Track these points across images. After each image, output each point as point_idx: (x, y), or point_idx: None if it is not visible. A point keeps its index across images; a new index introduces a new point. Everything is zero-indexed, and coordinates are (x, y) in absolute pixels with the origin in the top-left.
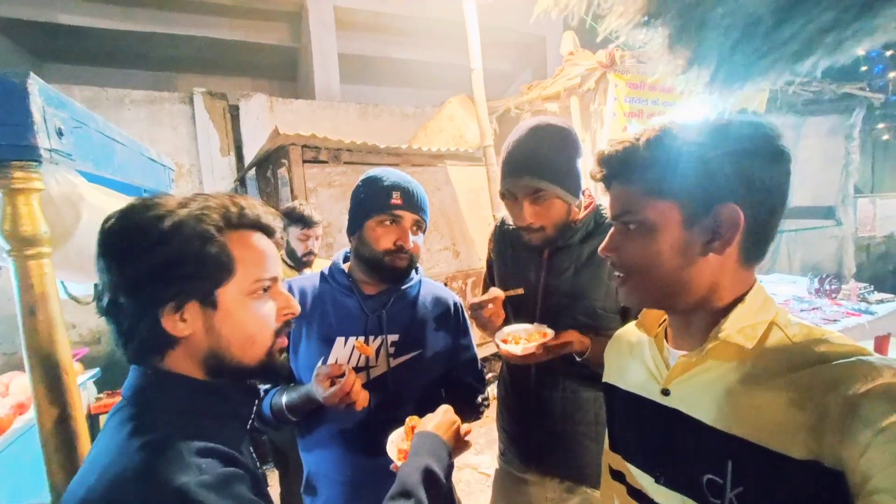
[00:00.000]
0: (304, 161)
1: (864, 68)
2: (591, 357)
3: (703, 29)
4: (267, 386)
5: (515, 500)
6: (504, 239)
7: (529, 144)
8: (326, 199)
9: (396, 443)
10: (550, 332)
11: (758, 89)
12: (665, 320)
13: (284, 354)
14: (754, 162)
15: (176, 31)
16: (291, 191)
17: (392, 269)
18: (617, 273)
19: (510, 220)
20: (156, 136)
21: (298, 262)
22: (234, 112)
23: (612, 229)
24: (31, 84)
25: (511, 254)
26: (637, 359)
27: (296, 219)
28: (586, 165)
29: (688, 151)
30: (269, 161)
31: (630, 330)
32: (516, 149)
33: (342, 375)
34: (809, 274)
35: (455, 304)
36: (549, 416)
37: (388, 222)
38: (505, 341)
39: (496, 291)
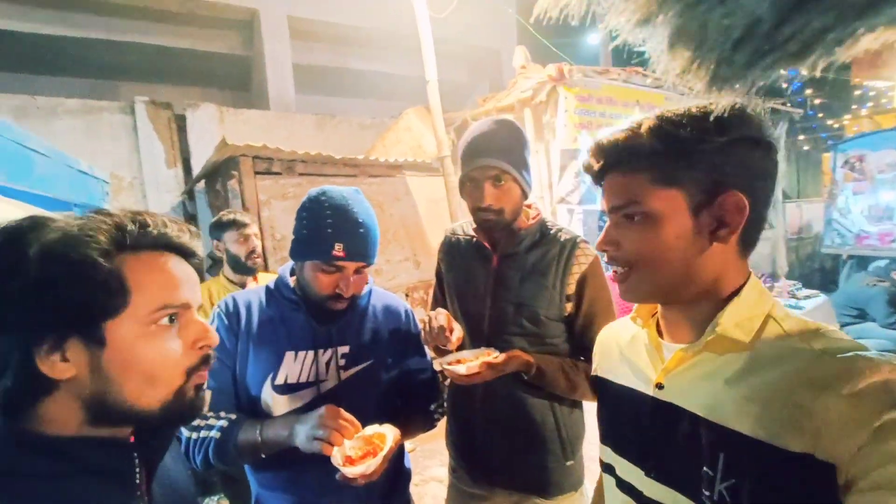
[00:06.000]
0: (257, 173)
1: (784, 85)
2: (537, 375)
3: (704, 29)
4: (222, 422)
5: None
6: (453, 250)
7: (490, 132)
8: (280, 212)
9: (341, 449)
10: (494, 353)
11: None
12: (657, 312)
13: (202, 391)
14: (754, 151)
15: (117, 37)
16: (243, 203)
17: (330, 313)
18: (616, 269)
19: (459, 231)
20: (93, 147)
21: (245, 269)
22: (181, 122)
23: (608, 222)
24: None
25: (461, 263)
26: (629, 352)
27: (226, 225)
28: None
29: (691, 139)
30: (219, 173)
31: (621, 323)
32: (477, 136)
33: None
34: None
35: (406, 312)
36: (495, 423)
37: (328, 271)
38: (450, 363)
39: (459, 332)
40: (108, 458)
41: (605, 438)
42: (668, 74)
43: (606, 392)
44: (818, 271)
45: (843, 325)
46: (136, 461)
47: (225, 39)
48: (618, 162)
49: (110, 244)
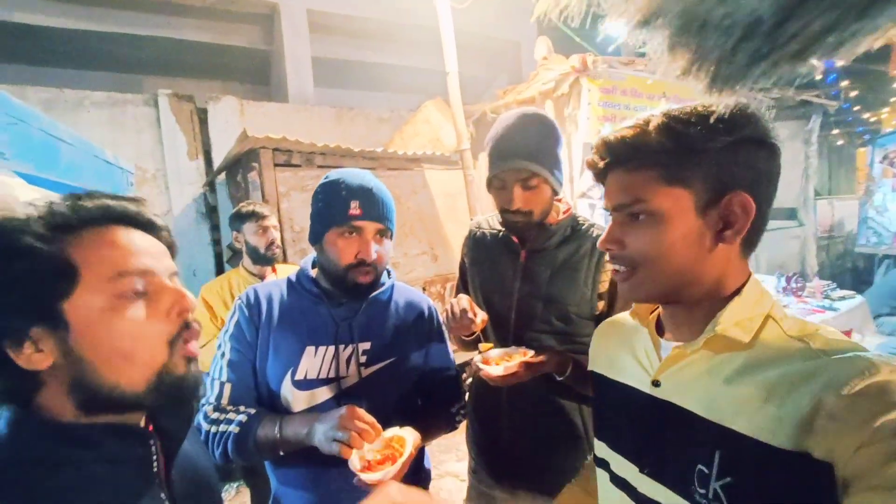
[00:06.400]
0: (276, 165)
1: (819, 77)
2: (573, 375)
3: (704, 29)
4: (241, 417)
5: None
6: (479, 245)
7: (519, 131)
8: (299, 204)
9: (360, 453)
10: (530, 352)
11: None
12: (657, 310)
13: (194, 365)
14: (760, 151)
15: (140, 31)
16: (263, 195)
17: (355, 286)
18: (619, 267)
19: (485, 225)
20: (118, 139)
21: (264, 259)
22: (203, 115)
23: (611, 221)
24: None
25: (487, 258)
26: (627, 349)
27: (246, 216)
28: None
29: (700, 138)
30: (240, 165)
31: (620, 319)
32: (505, 135)
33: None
34: (777, 273)
35: (429, 308)
36: (520, 425)
37: (348, 234)
38: (485, 362)
39: (483, 315)
40: (124, 445)
41: (600, 434)
42: (669, 75)
43: (603, 388)
44: (850, 271)
45: (877, 316)
46: (154, 448)
47: (245, 33)
48: (624, 159)
49: (46, 227)
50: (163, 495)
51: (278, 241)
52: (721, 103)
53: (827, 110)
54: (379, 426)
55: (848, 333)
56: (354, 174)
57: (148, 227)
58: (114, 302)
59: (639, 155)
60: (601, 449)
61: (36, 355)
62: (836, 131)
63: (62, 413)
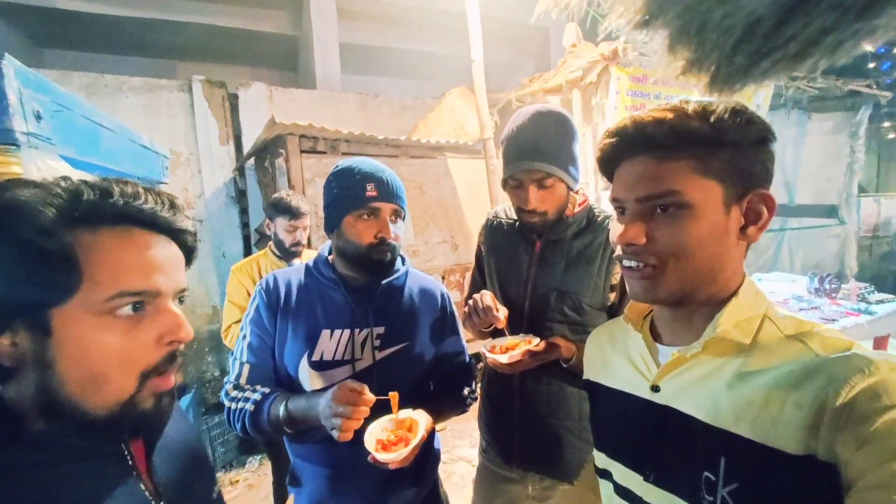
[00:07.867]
0: (302, 151)
1: (871, 65)
2: (578, 363)
3: (704, 30)
4: (256, 395)
5: (496, 498)
6: (495, 233)
7: (533, 130)
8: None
9: (374, 433)
10: (536, 340)
11: (757, 88)
12: (650, 313)
13: (165, 399)
14: (769, 153)
15: (175, 17)
16: (289, 181)
17: (378, 263)
18: (639, 264)
19: (502, 214)
20: (154, 124)
21: (287, 254)
22: (234, 101)
23: (631, 213)
24: (6, 65)
25: (503, 247)
26: (622, 354)
27: (283, 209)
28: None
29: (733, 131)
30: (268, 151)
31: (612, 325)
32: (520, 135)
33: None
34: (810, 273)
35: (442, 294)
36: (532, 409)
37: (366, 216)
38: (492, 350)
39: (504, 311)
40: (88, 443)
41: (600, 443)
42: (669, 75)
43: (599, 396)
44: (894, 273)
45: None
46: (123, 443)
47: (274, 19)
48: (656, 144)
49: (58, 218)
50: (142, 486)
51: (304, 243)
52: (730, 101)
53: (879, 101)
54: (369, 394)
55: (885, 339)
56: (364, 160)
57: (173, 232)
58: (106, 320)
59: (677, 142)
60: (601, 459)
61: (9, 349)
62: (887, 123)
63: (23, 411)
